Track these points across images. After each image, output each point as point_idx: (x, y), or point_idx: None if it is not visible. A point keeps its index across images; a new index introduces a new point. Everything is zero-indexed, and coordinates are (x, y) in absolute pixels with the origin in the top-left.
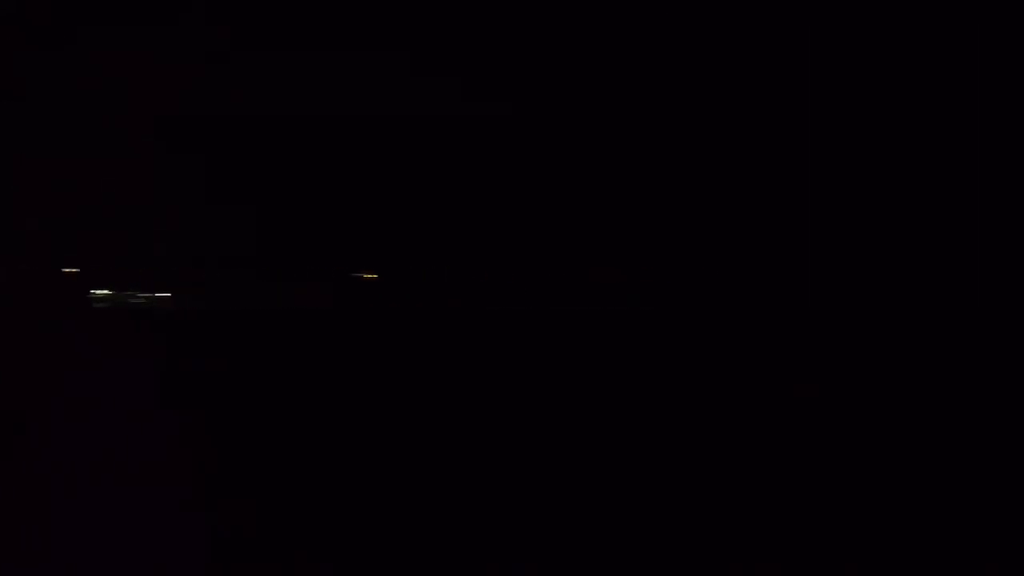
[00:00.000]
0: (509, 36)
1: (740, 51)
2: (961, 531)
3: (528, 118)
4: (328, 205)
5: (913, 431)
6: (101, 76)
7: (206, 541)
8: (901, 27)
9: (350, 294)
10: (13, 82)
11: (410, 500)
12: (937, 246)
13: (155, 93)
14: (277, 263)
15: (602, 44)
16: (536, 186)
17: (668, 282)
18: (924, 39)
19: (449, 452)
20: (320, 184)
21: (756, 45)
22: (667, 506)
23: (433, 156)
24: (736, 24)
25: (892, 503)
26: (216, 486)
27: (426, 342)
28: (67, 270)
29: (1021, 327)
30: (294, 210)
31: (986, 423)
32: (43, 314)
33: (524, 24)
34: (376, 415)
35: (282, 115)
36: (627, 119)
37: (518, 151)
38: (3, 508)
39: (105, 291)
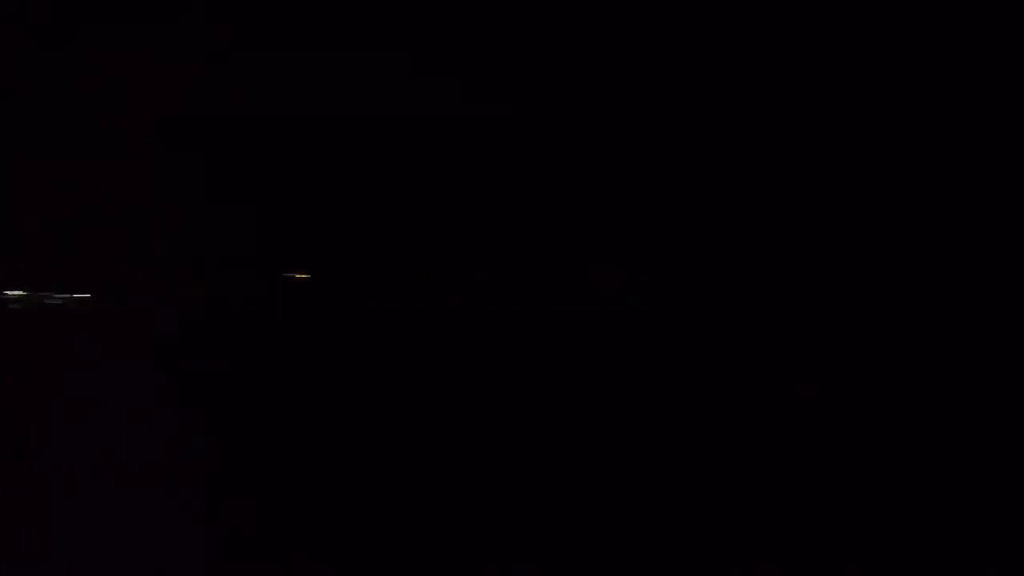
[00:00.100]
0: (509, 36)
1: (740, 51)
2: (961, 531)
3: (528, 118)
4: (328, 205)
5: (913, 431)
6: (101, 76)
7: (206, 541)
8: (901, 27)
9: (350, 294)
10: (13, 82)
11: (410, 500)
12: (937, 246)
13: (155, 93)
14: (277, 263)
15: (602, 44)
16: (536, 186)
17: (668, 282)
18: (924, 39)
19: (449, 452)
20: (320, 184)
21: (756, 45)
22: (667, 506)
23: (433, 156)
24: (736, 24)
25: (892, 503)
26: (216, 486)
27: (426, 342)
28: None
29: (1021, 327)
30: (294, 210)
31: (986, 423)
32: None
33: (524, 24)
34: (376, 415)
35: (282, 115)
36: (627, 119)
37: (518, 151)
38: (3, 508)
39: (18, 292)
